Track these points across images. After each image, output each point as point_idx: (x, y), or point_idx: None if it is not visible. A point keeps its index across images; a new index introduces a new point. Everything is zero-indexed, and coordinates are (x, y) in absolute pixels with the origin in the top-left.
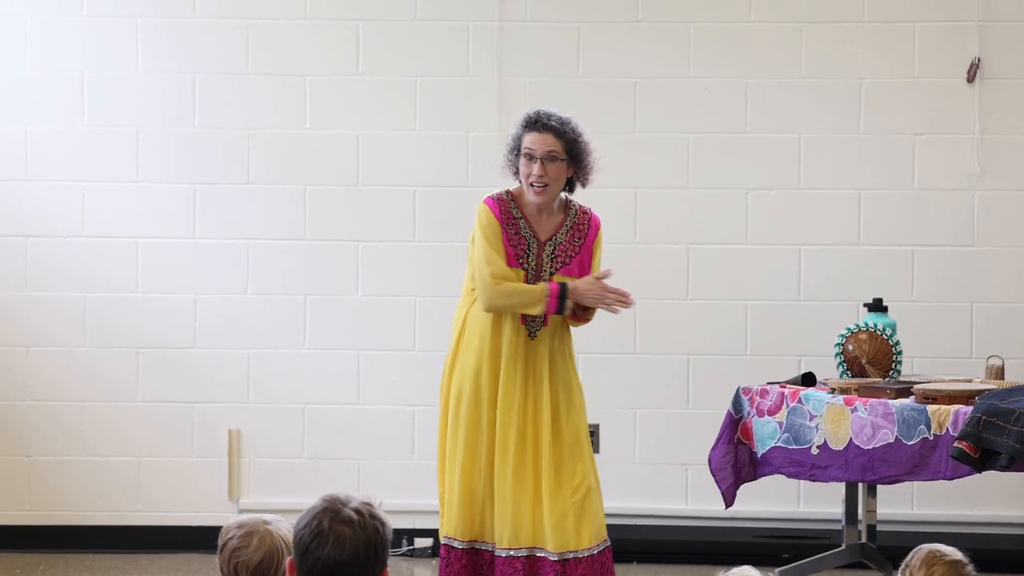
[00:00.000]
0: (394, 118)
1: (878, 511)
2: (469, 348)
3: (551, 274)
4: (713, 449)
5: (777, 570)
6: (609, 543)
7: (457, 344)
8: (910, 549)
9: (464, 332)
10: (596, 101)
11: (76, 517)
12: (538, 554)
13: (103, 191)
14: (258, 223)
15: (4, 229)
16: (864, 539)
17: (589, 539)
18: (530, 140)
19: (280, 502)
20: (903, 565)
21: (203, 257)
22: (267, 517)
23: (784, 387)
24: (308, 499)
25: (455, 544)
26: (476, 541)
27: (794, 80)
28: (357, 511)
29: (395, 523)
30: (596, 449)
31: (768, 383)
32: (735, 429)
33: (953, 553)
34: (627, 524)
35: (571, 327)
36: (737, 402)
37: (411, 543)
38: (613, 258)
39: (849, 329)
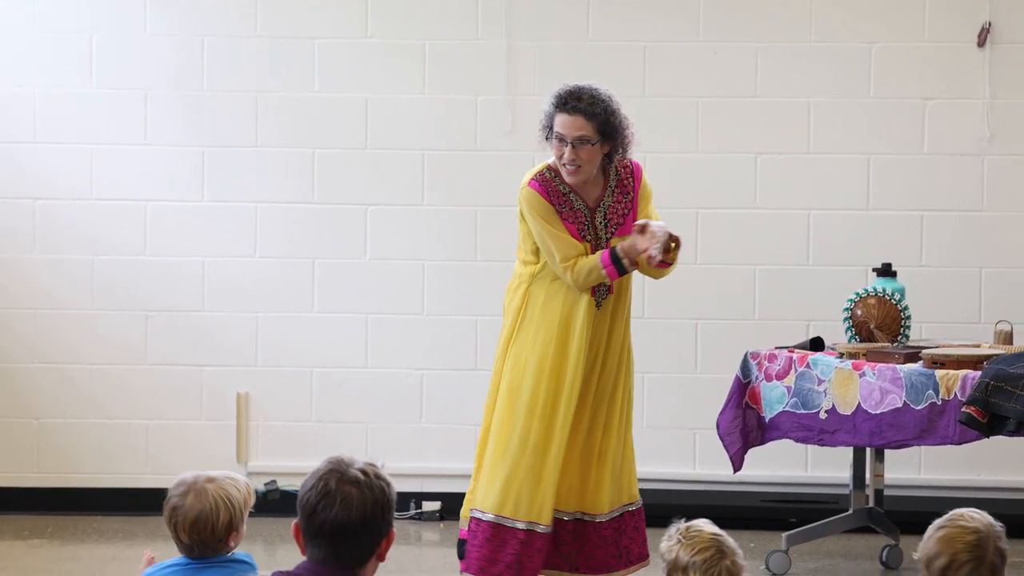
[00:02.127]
0: (403, 82)
1: (886, 476)
2: (533, 323)
3: (607, 239)
4: (721, 414)
5: (784, 534)
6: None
7: (518, 319)
8: (918, 514)
9: (526, 307)
10: (605, 65)
11: (85, 479)
12: (585, 518)
13: (112, 154)
14: (266, 186)
15: (13, 191)
16: (871, 504)
17: (631, 495)
18: (560, 122)
19: (288, 465)
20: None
21: (211, 220)
22: (215, 474)
23: (792, 352)
24: (316, 462)
25: (509, 523)
26: (536, 523)
27: (804, 44)
28: (363, 471)
29: (403, 486)
30: None
31: (776, 348)
32: (743, 394)
33: (971, 519)
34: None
35: (656, 276)
36: (745, 367)
37: (419, 506)
38: None
39: (858, 294)
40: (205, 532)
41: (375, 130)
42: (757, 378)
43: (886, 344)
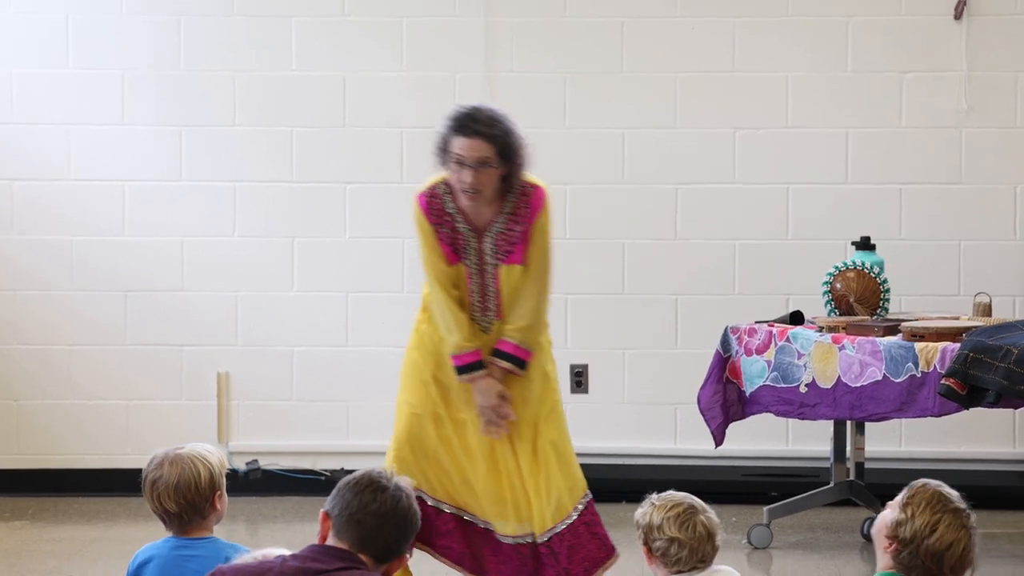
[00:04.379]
0: (380, 59)
1: (866, 449)
2: (429, 329)
3: (494, 267)
4: (702, 388)
5: (766, 508)
6: (589, 493)
7: (421, 316)
8: (899, 486)
9: (427, 310)
10: (583, 41)
11: (65, 461)
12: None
13: (89, 134)
14: (245, 165)
15: None
16: (852, 477)
17: (563, 512)
18: (460, 146)
19: (269, 444)
20: (902, 501)
21: (190, 200)
22: (182, 445)
23: (772, 326)
24: (297, 441)
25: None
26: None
27: (781, 19)
28: (410, 488)
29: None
30: (585, 389)
31: (756, 322)
32: (724, 368)
33: (958, 501)
34: (617, 464)
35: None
36: (725, 341)
37: None
38: (601, 199)
39: (837, 267)
40: (190, 493)
41: (353, 108)
42: (737, 352)
43: (865, 317)
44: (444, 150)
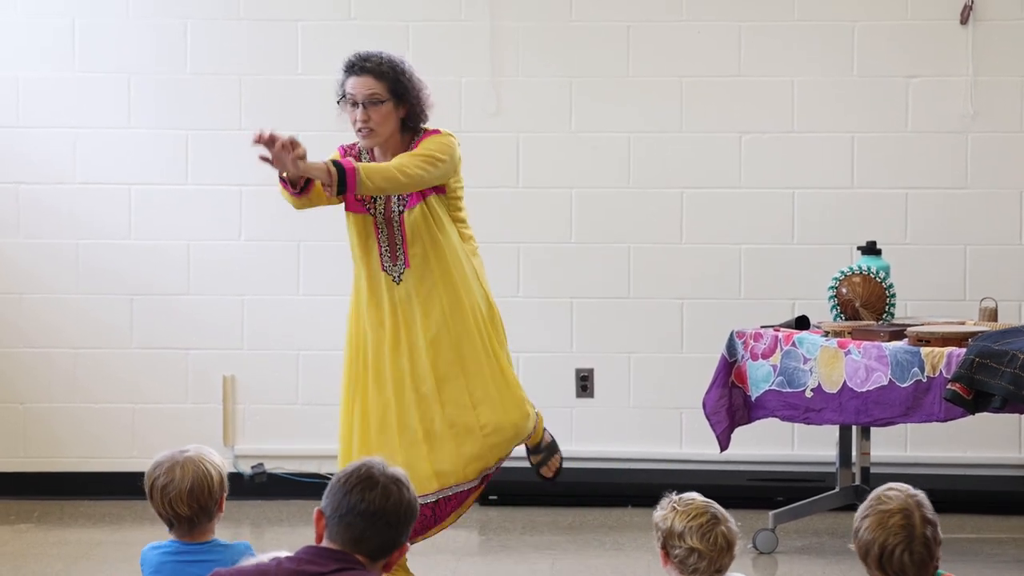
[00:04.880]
0: None
1: (872, 453)
2: (355, 296)
3: (399, 214)
4: (707, 393)
5: (771, 513)
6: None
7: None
8: None
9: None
10: (589, 45)
11: (71, 464)
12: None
13: (95, 138)
14: (251, 169)
15: None
16: (858, 481)
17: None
18: (351, 85)
19: (275, 448)
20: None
21: (196, 203)
22: (186, 448)
23: (778, 330)
24: (303, 445)
25: None
26: None
27: (787, 23)
28: (404, 475)
29: None
30: (591, 394)
31: (762, 327)
32: (729, 373)
33: (889, 500)
34: (622, 468)
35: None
36: (731, 346)
37: None
38: (607, 202)
39: (843, 272)
40: (203, 496)
41: None
42: (743, 357)
43: (871, 322)
44: (341, 95)
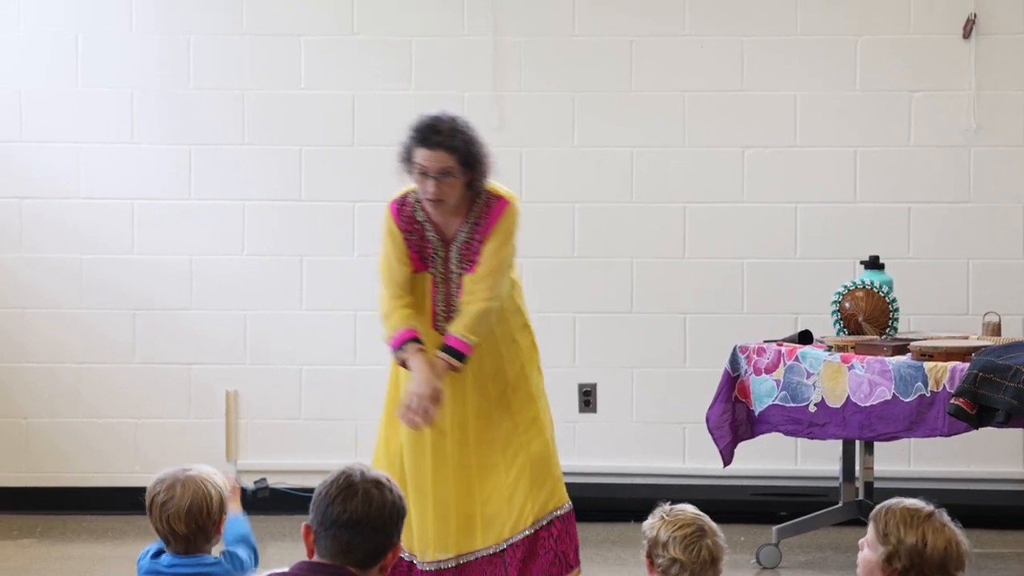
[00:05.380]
0: (389, 78)
1: (875, 468)
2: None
3: (459, 275)
4: (711, 408)
5: (775, 528)
6: (566, 508)
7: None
8: None
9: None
10: (591, 60)
11: (74, 479)
12: (464, 560)
13: (98, 152)
14: (253, 184)
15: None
16: (861, 496)
17: (531, 517)
18: (423, 157)
19: (277, 463)
20: (881, 533)
21: (199, 218)
22: (189, 466)
23: (781, 345)
24: (305, 460)
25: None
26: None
27: (790, 37)
28: (385, 477)
29: None
30: (593, 408)
31: (765, 341)
32: (732, 387)
33: (925, 505)
34: (625, 483)
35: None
36: (734, 360)
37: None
38: (609, 217)
39: (846, 287)
40: (201, 517)
41: (362, 127)
42: (746, 372)
43: (874, 337)
44: (408, 160)
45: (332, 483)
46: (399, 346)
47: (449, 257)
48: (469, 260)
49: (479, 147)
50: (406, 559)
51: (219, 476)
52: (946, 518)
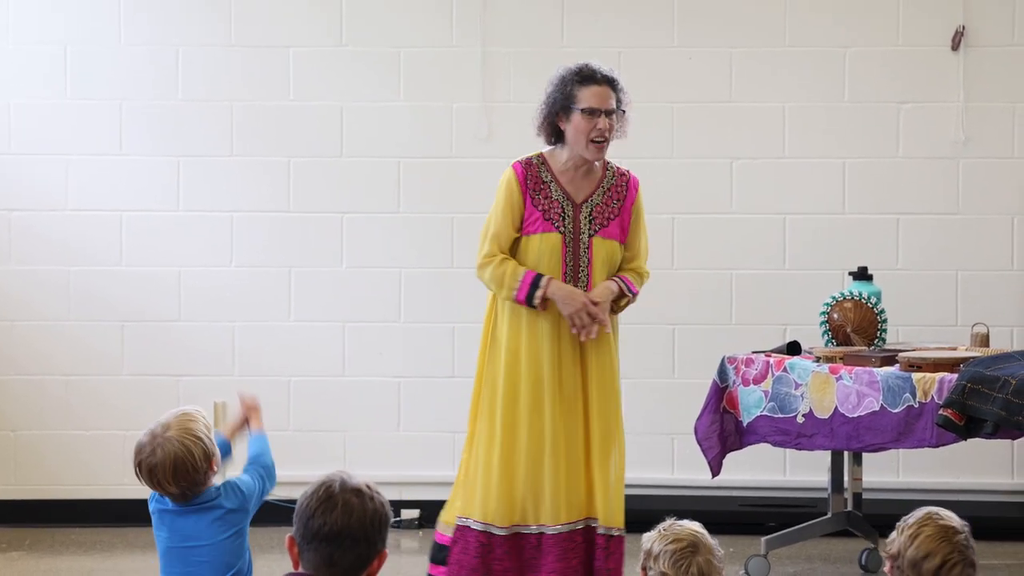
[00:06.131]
0: (378, 89)
1: (864, 479)
2: (504, 331)
3: (590, 236)
4: (699, 419)
5: (763, 538)
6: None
7: (489, 327)
8: (896, 516)
9: (497, 314)
10: None
11: (63, 491)
12: (591, 524)
13: (87, 164)
14: (242, 195)
15: None
16: (850, 507)
17: (621, 520)
18: (591, 95)
19: None
20: (901, 523)
21: (187, 230)
22: (167, 420)
23: (769, 356)
24: (294, 471)
25: (495, 531)
26: (519, 526)
27: (778, 49)
28: (365, 485)
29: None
30: None
31: (753, 352)
32: (721, 398)
33: (949, 518)
34: None
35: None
36: (722, 371)
37: (397, 515)
38: None
39: (834, 298)
40: (188, 474)
41: (351, 138)
42: (734, 383)
43: (863, 348)
44: (567, 107)
45: (312, 495)
46: (533, 281)
47: (579, 218)
48: (601, 223)
49: (628, 95)
50: (534, 532)
51: (199, 421)
52: (961, 539)
